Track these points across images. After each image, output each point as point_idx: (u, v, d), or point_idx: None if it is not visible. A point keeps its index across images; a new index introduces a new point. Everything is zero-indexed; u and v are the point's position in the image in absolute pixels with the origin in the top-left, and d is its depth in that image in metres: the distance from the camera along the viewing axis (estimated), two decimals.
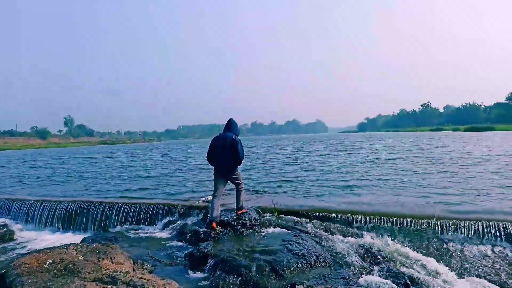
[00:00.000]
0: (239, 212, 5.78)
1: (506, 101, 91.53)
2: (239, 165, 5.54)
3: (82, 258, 4.22)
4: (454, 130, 69.96)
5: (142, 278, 3.48)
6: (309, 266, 4.09)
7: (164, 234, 6.23)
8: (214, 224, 5.39)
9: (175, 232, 6.11)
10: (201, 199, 7.21)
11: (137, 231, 6.56)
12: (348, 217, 5.62)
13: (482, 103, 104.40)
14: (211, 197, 7.15)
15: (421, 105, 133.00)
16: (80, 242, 5.97)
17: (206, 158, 5.67)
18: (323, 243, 4.80)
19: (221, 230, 5.22)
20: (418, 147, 21.43)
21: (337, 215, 5.73)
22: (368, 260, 4.48)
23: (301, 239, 4.75)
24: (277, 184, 9.28)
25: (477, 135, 37.76)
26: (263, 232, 5.20)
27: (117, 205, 7.42)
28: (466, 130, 63.29)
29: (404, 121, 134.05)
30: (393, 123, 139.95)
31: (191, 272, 4.30)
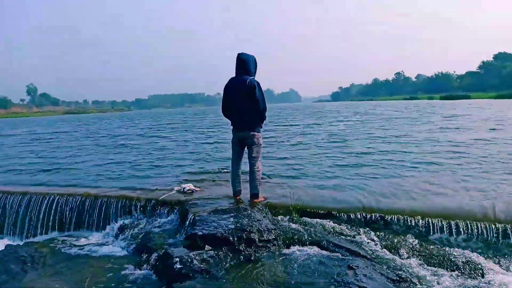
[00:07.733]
0: (255, 201, 4.13)
1: (478, 70, 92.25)
2: (262, 119, 4.05)
3: None
4: (429, 99, 69.60)
5: None
6: None
7: (115, 248, 3.90)
8: (238, 198, 4.30)
9: (132, 245, 3.80)
10: (175, 188, 4.85)
11: (74, 241, 4.21)
12: (418, 222, 3.45)
13: (454, 72, 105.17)
14: (188, 186, 4.87)
15: (394, 74, 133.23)
16: None
17: (221, 111, 4.23)
18: (401, 281, 2.63)
19: (212, 254, 2.92)
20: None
21: (397, 218, 3.53)
22: None
23: (362, 274, 2.56)
24: (290, 166, 6.43)
25: (462, 103, 36.52)
26: (286, 255, 2.96)
27: (47, 197, 4.98)
28: (441, 98, 62.95)
29: (377, 90, 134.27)
30: (366, 92, 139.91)
31: None
